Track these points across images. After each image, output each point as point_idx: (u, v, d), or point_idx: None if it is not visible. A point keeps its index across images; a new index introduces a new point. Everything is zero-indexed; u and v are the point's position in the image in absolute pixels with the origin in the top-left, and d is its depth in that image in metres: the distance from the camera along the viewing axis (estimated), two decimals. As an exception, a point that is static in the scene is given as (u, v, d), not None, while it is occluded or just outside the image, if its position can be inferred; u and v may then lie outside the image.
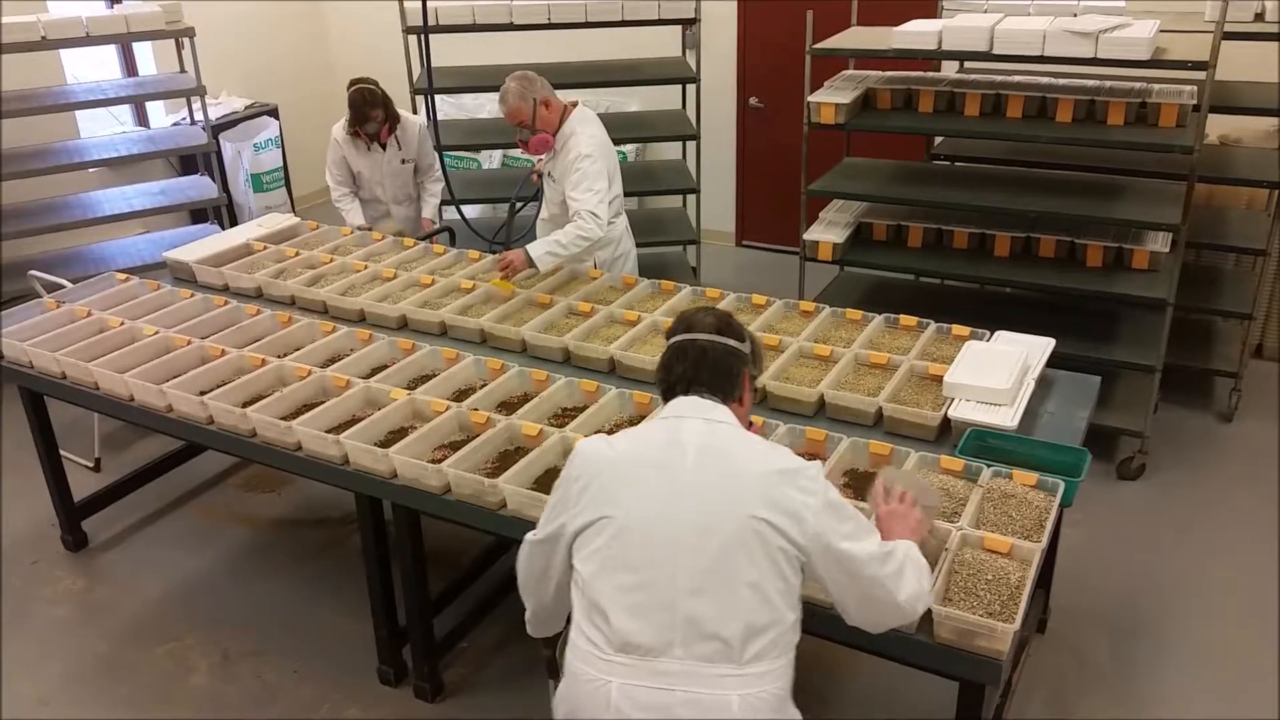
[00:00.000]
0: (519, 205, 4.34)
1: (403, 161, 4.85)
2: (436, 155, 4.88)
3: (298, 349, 3.46)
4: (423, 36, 4.31)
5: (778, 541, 1.88)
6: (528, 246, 3.69)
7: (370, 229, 4.58)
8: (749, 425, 2.14)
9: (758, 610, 1.86)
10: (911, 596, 1.98)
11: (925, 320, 3.38)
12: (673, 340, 2.15)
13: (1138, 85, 4.23)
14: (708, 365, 2.07)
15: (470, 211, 5.52)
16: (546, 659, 2.46)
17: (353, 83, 4.65)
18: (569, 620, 2.11)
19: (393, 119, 4.73)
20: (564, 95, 3.93)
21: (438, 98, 6.10)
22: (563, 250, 3.70)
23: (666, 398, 2.11)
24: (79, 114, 6.32)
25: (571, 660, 1.97)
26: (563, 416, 3.02)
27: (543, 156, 4.04)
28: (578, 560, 1.97)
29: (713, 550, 1.87)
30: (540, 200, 4.22)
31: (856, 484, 2.67)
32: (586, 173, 3.76)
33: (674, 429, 2.01)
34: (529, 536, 2.13)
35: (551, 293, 3.73)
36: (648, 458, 1.99)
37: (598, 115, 4.00)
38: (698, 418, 2.02)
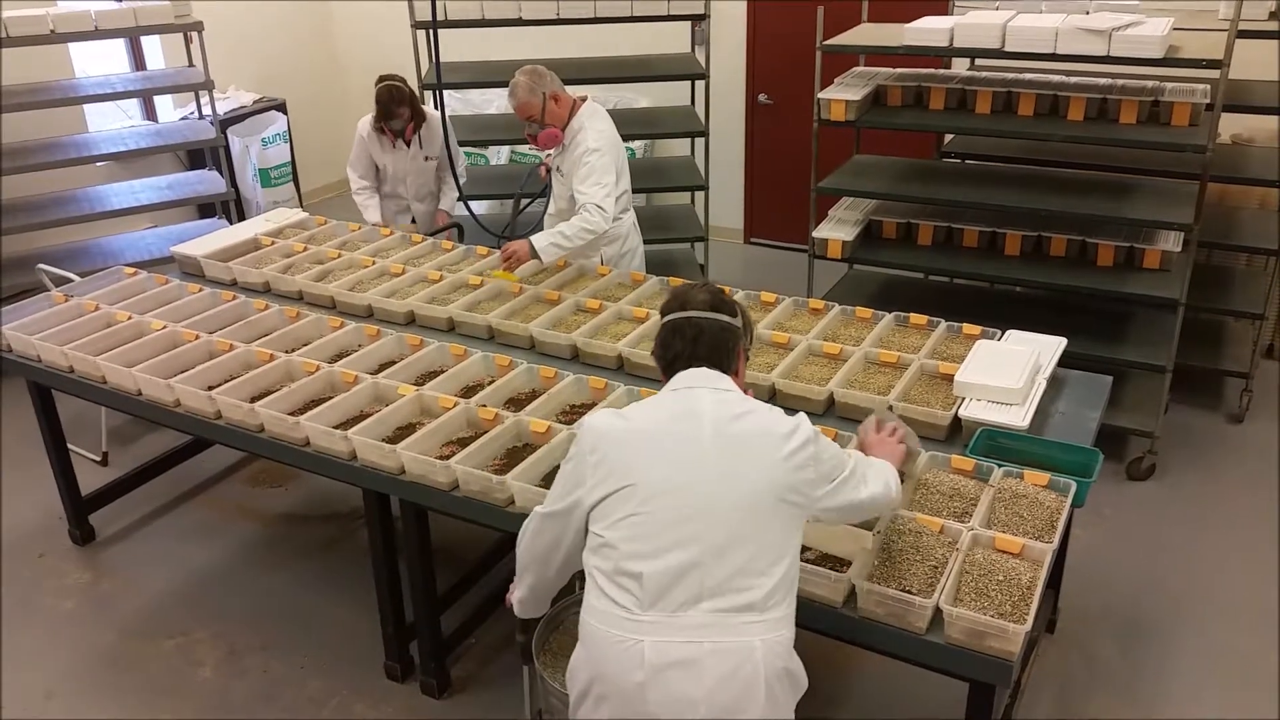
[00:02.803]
0: (525, 202, 4.33)
1: (425, 159, 4.82)
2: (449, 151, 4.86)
3: (305, 344, 3.45)
4: (431, 31, 4.30)
5: (789, 496, 2.01)
6: (532, 238, 3.69)
7: (383, 227, 4.56)
8: (746, 392, 2.22)
9: (776, 560, 1.98)
10: (872, 495, 2.18)
11: (935, 319, 3.36)
12: (669, 318, 2.20)
13: (1150, 84, 4.21)
14: (705, 342, 2.14)
15: (479, 207, 5.50)
16: (521, 644, 2.48)
17: (381, 79, 4.61)
18: (553, 601, 2.33)
19: (418, 117, 4.68)
20: (573, 90, 3.92)
21: (446, 93, 6.10)
22: (567, 242, 3.69)
23: (668, 373, 2.17)
24: (87, 108, 6.34)
25: (595, 625, 2.00)
26: (571, 413, 3.01)
27: (551, 151, 4.03)
28: (600, 528, 2.03)
29: (737, 510, 1.97)
30: (548, 195, 4.21)
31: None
32: (594, 167, 3.75)
33: (686, 400, 2.08)
34: (538, 510, 2.18)
35: (559, 289, 3.72)
36: (665, 428, 2.06)
37: (606, 111, 3.99)
38: (707, 388, 2.09)
